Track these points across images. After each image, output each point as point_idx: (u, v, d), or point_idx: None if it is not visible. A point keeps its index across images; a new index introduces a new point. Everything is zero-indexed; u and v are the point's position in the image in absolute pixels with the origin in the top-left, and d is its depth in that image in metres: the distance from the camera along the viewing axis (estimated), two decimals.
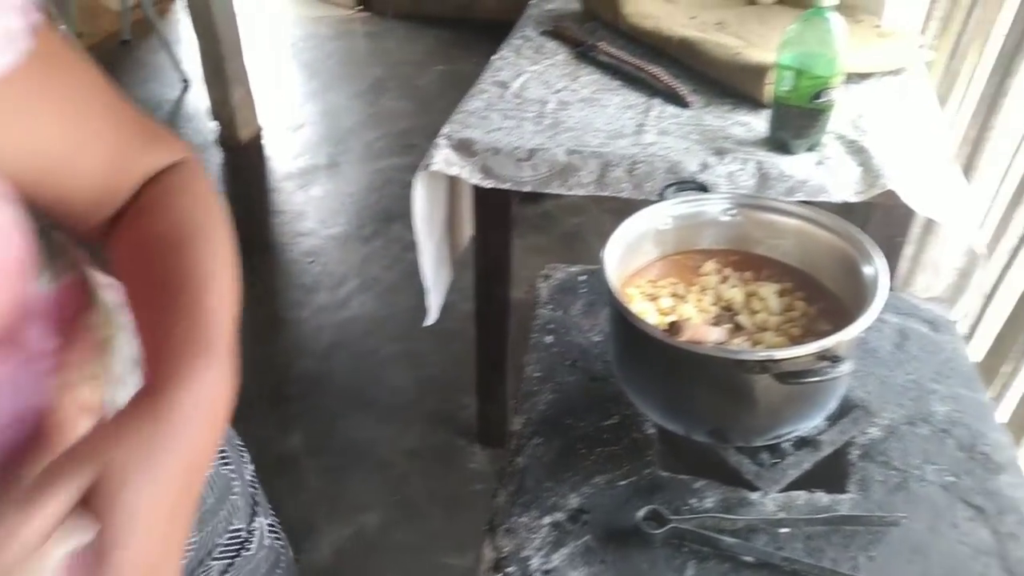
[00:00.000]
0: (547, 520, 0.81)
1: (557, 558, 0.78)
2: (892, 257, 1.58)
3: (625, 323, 0.78)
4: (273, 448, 1.95)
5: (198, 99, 3.62)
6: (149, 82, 3.88)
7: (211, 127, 3.34)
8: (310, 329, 2.32)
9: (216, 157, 3.25)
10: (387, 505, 1.80)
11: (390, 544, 1.72)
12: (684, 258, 0.92)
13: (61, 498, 0.39)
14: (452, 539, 1.70)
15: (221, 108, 3.24)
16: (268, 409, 2.07)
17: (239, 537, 0.81)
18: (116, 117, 0.58)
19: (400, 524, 1.76)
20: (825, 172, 1.25)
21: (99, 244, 0.61)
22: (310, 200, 2.94)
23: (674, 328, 0.72)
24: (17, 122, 0.50)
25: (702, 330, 0.76)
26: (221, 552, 0.78)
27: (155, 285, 0.55)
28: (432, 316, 1.64)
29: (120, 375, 0.66)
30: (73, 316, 0.62)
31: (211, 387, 0.49)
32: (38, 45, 0.50)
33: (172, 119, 3.56)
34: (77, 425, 0.56)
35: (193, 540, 0.74)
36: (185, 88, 3.81)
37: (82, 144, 0.55)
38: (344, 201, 2.93)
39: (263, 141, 3.36)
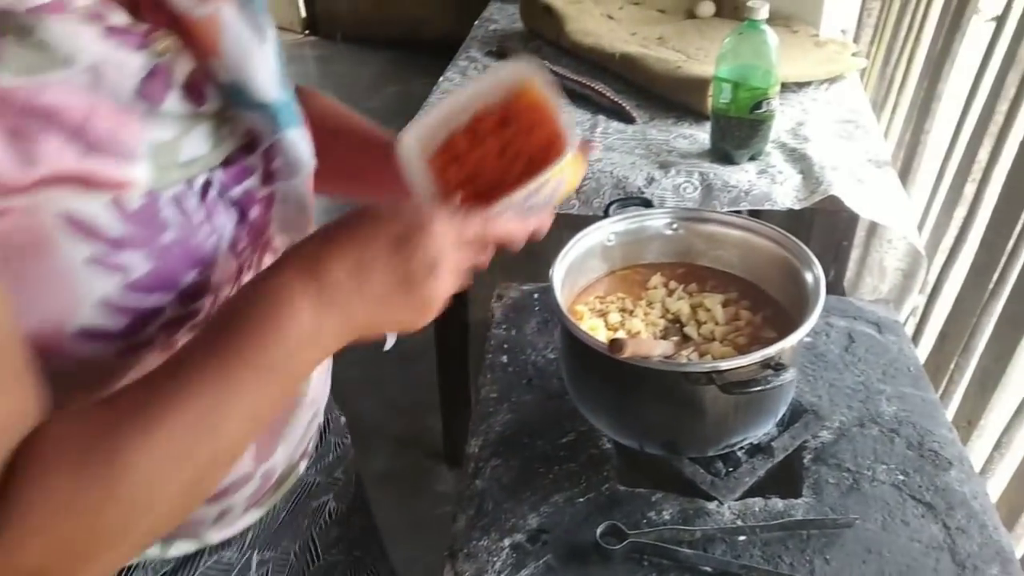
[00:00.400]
0: (507, 542, 0.81)
1: None
2: (841, 261, 1.61)
3: (574, 341, 0.79)
4: None
5: None
6: None
7: None
8: None
9: None
10: None
11: None
12: (631, 273, 0.94)
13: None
14: (423, 563, 1.68)
15: None
16: None
17: (340, 422, 0.92)
18: None
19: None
20: (768, 181, 1.28)
21: None
22: None
23: (615, 345, 0.72)
24: None
25: (646, 344, 0.77)
26: (333, 431, 0.89)
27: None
28: (390, 340, 1.63)
29: None
30: None
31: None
32: None
33: None
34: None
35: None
36: None
37: None
38: None
39: None
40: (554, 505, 0.85)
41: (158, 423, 0.44)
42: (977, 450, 1.12)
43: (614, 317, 0.88)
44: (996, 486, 1.05)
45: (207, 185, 0.53)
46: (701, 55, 1.55)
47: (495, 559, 0.80)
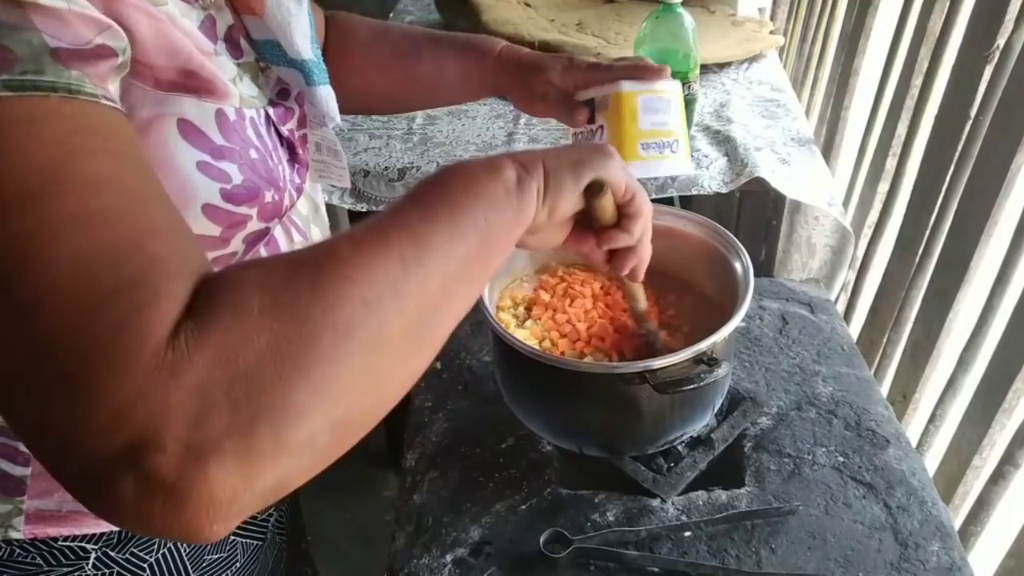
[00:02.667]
0: (449, 558, 0.78)
1: None
2: (771, 241, 1.62)
3: (505, 346, 0.76)
4: None
5: None
6: None
7: None
8: None
9: None
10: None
11: None
12: (559, 271, 0.91)
13: None
14: (374, 572, 1.65)
15: None
16: None
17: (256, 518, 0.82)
18: None
19: (317, 562, 1.70)
20: (694, 165, 1.27)
21: None
22: None
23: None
24: None
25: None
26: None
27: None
28: None
29: None
30: None
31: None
32: None
33: None
34: None
35: None
36: None
37: None
38: None
39: None
40: (496, 515, 0.82)
41: (368, 252, 0.42)
42: (913, 424, 1.13)
43: (540, 318, 0.85)
44: (933, 459, 1.06)
45: (268, 118, 0.61)
46: (620, 40, 1.53)
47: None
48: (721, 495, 0.83)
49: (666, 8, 1.18)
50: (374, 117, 1.45)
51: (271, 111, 0.62)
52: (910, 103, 1.14)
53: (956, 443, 0.99)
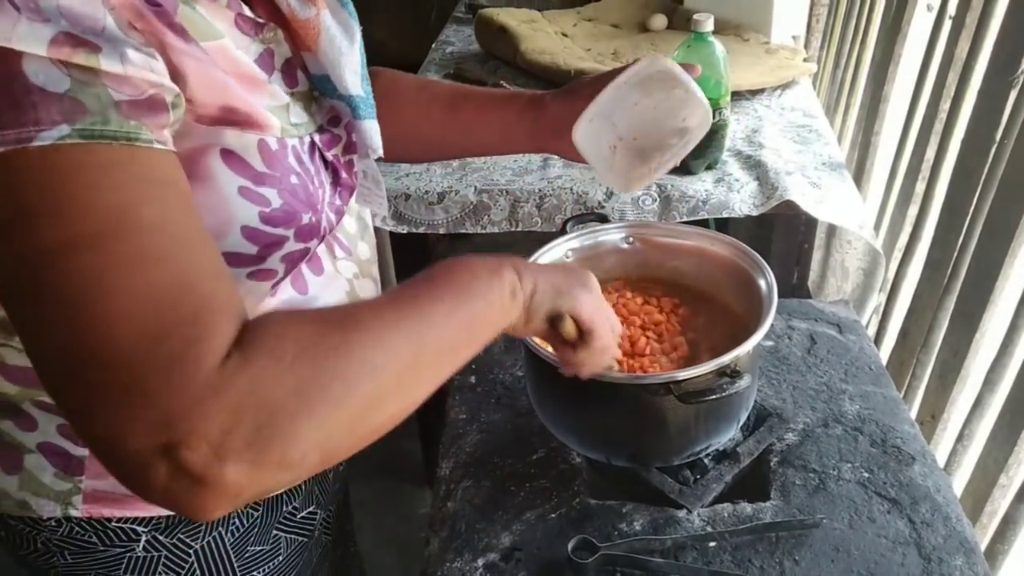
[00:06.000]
0: (481, 562, 0.82)
1: None
2: (803, 263, 1.64)
3: (535, 358, 0.80)
4: None
5: None
6: None
7: None
8: None
9: None
10: None
11: None
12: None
13: None
14: None
15: None
16: None
17: (296, 516, 0.85)
18: None
19: None
20: (725, 189, 1.30)
21: None
22: None
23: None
24: None
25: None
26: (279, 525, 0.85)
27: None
28: None
29: None
30: None
31: None
32: None
33: None
34: None
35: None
36: None
37: None
38: None
39: None
40: (526, 523, 0.85)
41: (383, 325, 0.52)
42: (942, 444, 1.14)
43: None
44: (961, 479, 1.07)
45: (313, 144, 0.66)
46: None
47: None
48: (746, 507, 0.85)
49: (698, 36, 1.22)
50: None
51: (317, 137, 0.67)
52: (938, 127, 1.16)
53: (983, 462, 1.00)
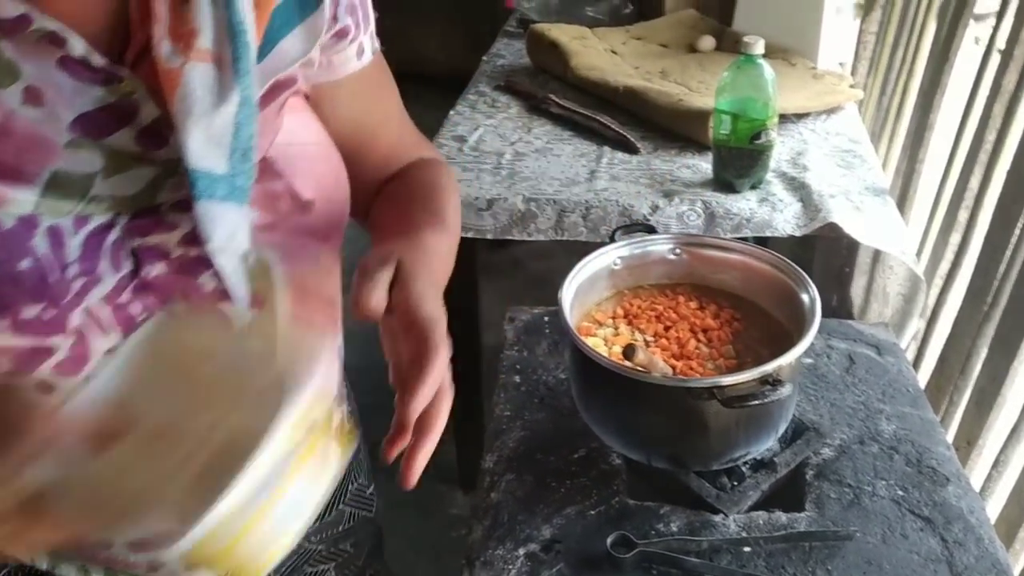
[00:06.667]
0: (521, 551, 0.85)
1: None
2: (844, 286, 1.66)
3: (582, 357, 0.83)
4: None
5: None
6: None
7: None
8: None
9: None
10: None
11: None
12: (635, 295, 0.98)
13: (389, 271, 0.59)
14: None
15: None
16: None
17: (363, 494, 0.93)
18: (403, 112, 0.80)
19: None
20: (769, 208, 1.32)
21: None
22: None
23: (628, 351, 0.77)
24: (358, 101, 0.72)
25: (653, 361, 0.82)
26: (349, 501, 0.91)
27: (406, 197, 0.75)
28: None
29: None
30: None
31: (445, 243, 0.70)
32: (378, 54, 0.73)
33: None
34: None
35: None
36: None
37: (388, 124, 0.78)
38: None
39: None
40: (566, 517, 0.89)
41: None
42: (977, 470, 1.15)
43: (620, 335, 0.92)
44: (995, 505, 1.08)
45: (108, 227, 0.54)
46: (702, 88, 1.60)
47: (510, 567, 0.83)
48: (781, 516, 0.87)
49: (748, 59, 1.25)
50: (466, 151, 1.55)
51: (123, 220, 0.55)
52: (983, 158, 1.18)
53: (1019, 488, 1.01)
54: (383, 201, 0.76)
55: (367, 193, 0.77)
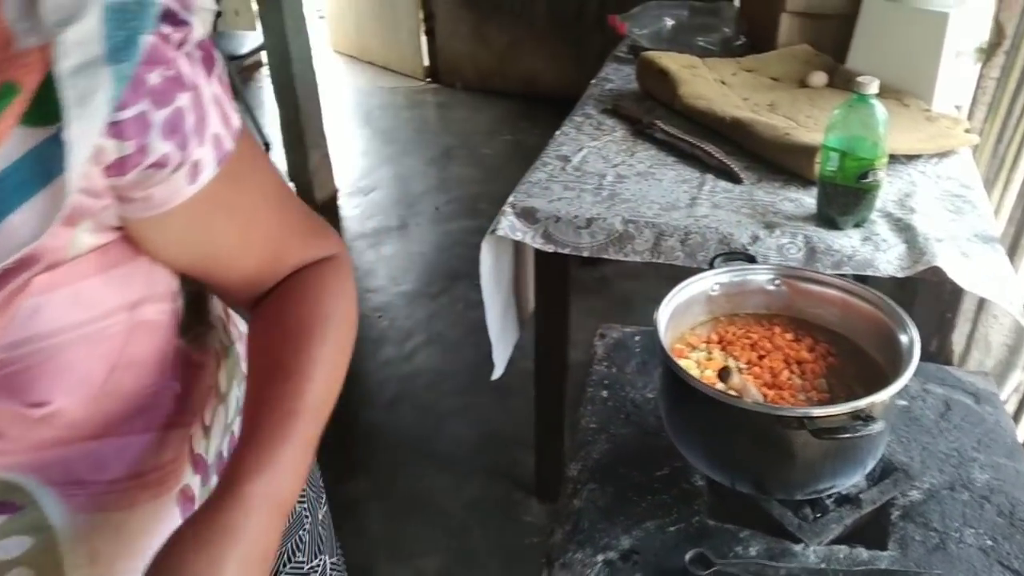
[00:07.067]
0: (600, 558, 0.88)
1: None
2: (944, 332, 1.62)
3: (674, 377, 0.86)
4: (338, 491, 2.03)
5: (277, 161, 3.86)
6: None
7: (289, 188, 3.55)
8: (376, 381, 2.43)
9: None
10: (445, 552, 1.86)
11: None
12: (731, 322, 1.00)
13: None
14: None
15: (299, 171, 3.45)
16: (334, 455, 2.17)
17: (300, 569, 0.87)
18: (281, 218, 0.65)
19: (458, 570, 1.83)
20: (872, 248, 1.32)
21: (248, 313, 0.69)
22: (381, 259, 3.10)
23: (724, 373, 0.79)
24: (197, 229, 0.58)
25: (747, 387, 0.84)
26: None
27: (268, 368, 0.62)
28: (498, 371, 1.74)
29: (230, 425, 0.77)
30: (202, 370, 0.72)
31: (281, 480, 0.56)
32: (237, 148, 0.57)
33: None
34: (184, 475, 0.69)
35: None
36: (266, 150, 4.07)
37: (246, 248, 0.63)
38: (413, 260, 3.08)
39: (338, 202, 3.56)
40: (646, 530, 0.91)
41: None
42: None
43: (712, 360, 0.94)
44: None
45: None
46: (811, 123, 1.61)
47: (588, 571, 0.87)
48: (862, 552, 0.88)
49: (861, 98, 1.26)
50: (569, 170, 1.60)
51: None
52: None
53: None
54: (250, 353, 0.66)
55: (245, 304, 0.69)
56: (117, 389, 0.59)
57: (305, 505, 0.88)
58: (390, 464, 2.13)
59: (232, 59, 3.97)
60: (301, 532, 0.87)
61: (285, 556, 0.84)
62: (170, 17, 0.50)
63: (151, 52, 0.49)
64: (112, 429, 0.61)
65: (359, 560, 1.84)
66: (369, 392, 2.40)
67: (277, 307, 0.66)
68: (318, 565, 0.91)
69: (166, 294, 0.63)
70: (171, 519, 0.66)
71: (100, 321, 0.55)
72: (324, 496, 0.96)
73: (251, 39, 4.22)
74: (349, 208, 3.52)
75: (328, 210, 3.50)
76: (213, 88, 0.54)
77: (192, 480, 0.70)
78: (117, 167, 0.50)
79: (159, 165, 0.51)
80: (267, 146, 4.09)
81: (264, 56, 4.69)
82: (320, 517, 0.93)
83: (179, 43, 0.51)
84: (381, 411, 2.32)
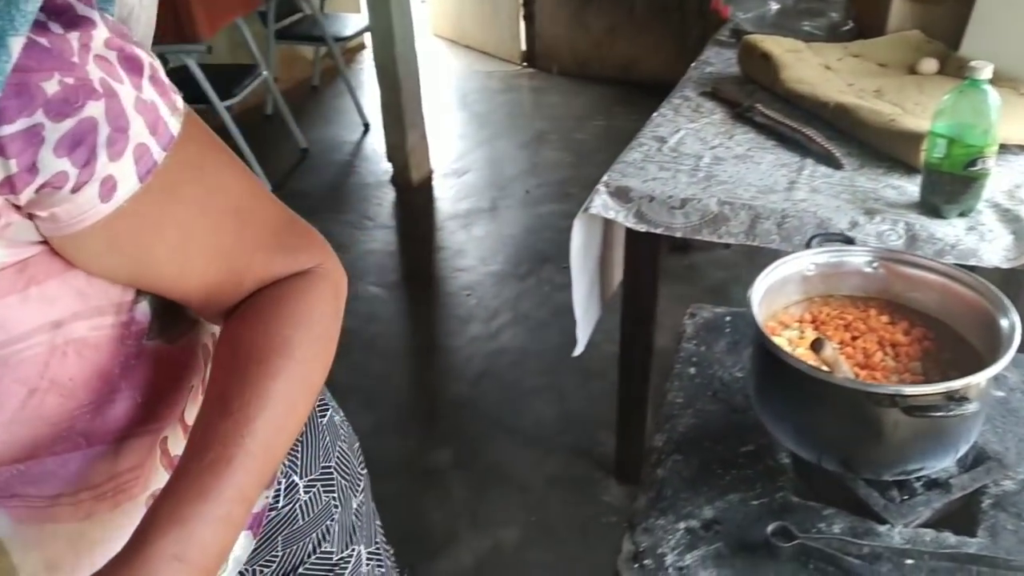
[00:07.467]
0: (682, 525, 0.90)
1: (690, 558, 0.87)
2: None
3: (765, 351, 0.87)
4: (423, 460, 2.12)
5: (376, 141, 3.98)
6: (332, 124, 4.30)
7: (386, 168, 3.66)
8: (463, 357, 2.50)
9: (389, 195, 3.56)
10: (525, 524, 1.91)
11: (526, 560, 1.83)
12: (825, 302, 1.00)
13: None
14: (585, 563, 1.79)
15: (397, 151, 3.55)
16: (421, 425, 2.26)
17: (328, 560, 0.85)
18: (236, 231, 0.58)
19: (536, 543, 1.87)
20: (976, 237, 1.28)
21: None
22: (471, 239, 3.17)
23: (817, 344, 0.80)
24: (124, 247, 0.52)
25: (840, 359, 0.84)
26: (307, 570, 0.84)
27: (210, 401, 0.57)
28: (580, 347, 1.77)
29: None
30: (183, 369, 0.68)
31: (198, 538, 0.51)
32: (171, 157, 0.51)
33: (351, 159, 3.93)
34: (154, 480, 0.66)
35: (276, 555, 0.80)
36: (365, 131, 4.20)
37: (187, 266, 0.57)
38: (502, 242, 3.13)
39: (432, 183, 3.65)
40: (728, 502, 0.93)
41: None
42: None
43: (805, 337, 0.95)
44: None
45: None
46: (918, 110, 1.56)
47: (670, 537, 0.89)
48: (950, 537, 0.87)
49: (973, 83, 1.22)
50: (665, 151, 1.61)
51: None
52: None
53: None
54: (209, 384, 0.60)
55: (212, 320, 0.66)
56: (39, 413, 0.54)
57: (334, 495, 0.85)
58: (473, 437, 2.19)
59: (336, 40, 4.10)
60: (329, 522, 0.84)
61: (310, 546, 0.83)
62: (60, 15, 0.44)
63: (37, 55, 0.43)
64: (41, 451, 0.56)
65: (442, 527, 1.91)
66: (456, 367, 2.47)
67: (232, 331, 0.60)
68: (350, 555, 0.88)
69: (107, 307, 0.56)
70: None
71: (12, 345, 0.50)
72: (364, 483, 0.93)
73: (355, 21, 4.36)
74: (443, 189, 3.60)
75: (423, 190, 3.59)
76: (141, 93, 0.48)
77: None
78: (7, 185, 0.44)
79: (53, 186, 0.46)
80: (366, 127, 4.21)
81: (366, 38, 4.84)
82: (355, 506, 0.90)
83: (83, 44, 0.45)
84: (466, 386, 2.38)
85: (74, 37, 0.45)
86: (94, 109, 0.45)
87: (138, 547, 0.50)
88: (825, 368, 0.84)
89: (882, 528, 0.88)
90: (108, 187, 0.48)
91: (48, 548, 0.59)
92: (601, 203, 1.50)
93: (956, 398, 0.77)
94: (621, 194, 1.49)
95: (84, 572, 0.54)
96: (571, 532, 1.89)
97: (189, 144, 0.53)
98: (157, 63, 0.51)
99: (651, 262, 1.66)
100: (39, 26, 0.43)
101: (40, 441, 0.56)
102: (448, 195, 3.54)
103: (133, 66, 0.48)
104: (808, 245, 1.01)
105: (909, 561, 0.85)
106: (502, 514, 1.94)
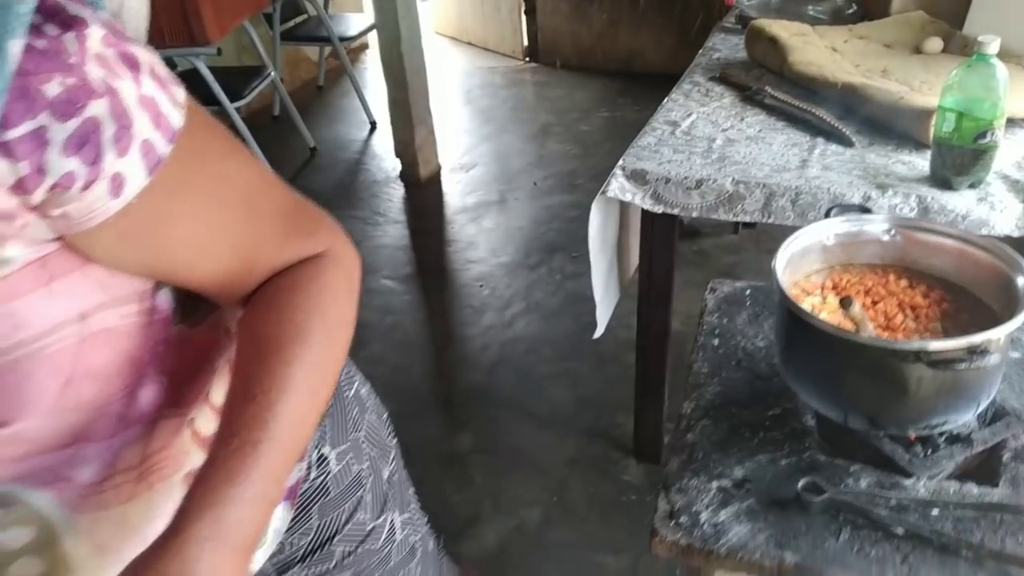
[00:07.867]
0: (714, 485, 0.94)
1: (724, 514, 0.91)
2: None
3: (790, 315, 0.91)
4: (443, 446, 2.15)
5: (383, 139, 4.02)
6: (339, 123, 4.34)
7: (394, 164, 3.70)
8: (478, 345, 2.54)
9: (398, 191, 3.59)
10: (547, 504, 1.95)
11: (549, 539, 1.87)
12: (845, 270, 1.04)
13: None
14: (607, 540, 1.83)
15: (405, 148, 3.58)
16: (440, 412, 2.30)
17: (362, 528, 0.88)
18: (248, 219, 0.60)
19: (559, 522, 1.91)
20: (987, 208, 1.32)
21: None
22: (481, 231, 3.21)
23: (845, 301, 0.84)
24: (135, 242, 0.54)
25: (866, 318, 0.88)
26: (342, 539, 0.86)
27: (235, 389, 0.60)
28: (600, 329, 1.81)
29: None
30: (208, 352, 0.71)
31: (233, 519, 0.55)
32: (176, 150, 0.52)
33: (360, 157, 3.97)
34: (188, 459, 0.68)
35: (312, 525, 0.83)
36: (372, 129, 4.23)
37: (201, 256, 0.58)
38: (512, 233, 3.17)
39: (441, 178, 3.69)
40: (758, 462, 0.97)
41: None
42: None
43: (828, 304, 0.99)
44: None
45: None
46: (925, 88, 1.60)
47: (703, 496, 0.93)
48: (973, 488, 0.91)
49: (980, 57, 1.26)
50: (678, 134, 1.65)
51: None
52: None
53: None
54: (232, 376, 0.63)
55: (229, 307, 0.68)
56: (77, 402, 0.57)
57: (367, 465, 0.89)
58: (492, 422, 2.23)
59: (342, 40, 4.14)
60: (361, 492, 0.87)
61: (344, 516, 0.86)
62: (54, 16, 0.45)
63: (35, 59, 0.44)
64: (83, 436, 0.59)
65: (466, 509, 1.95)
66: (471, 356, 2.51)
67: (248, 321, 0.62)
68: (383, 523, 0.92)
69: (130, 296, 0.59)
70: (177, 504, 0.60)
71: (42, 339, 0.52)
72: (394, 453, 0.97)
73: (359, 21, 4.39)
74: (451, 184, 3.64)
75: (432, 186, 3.63)
76: (141, 89, 0.49)
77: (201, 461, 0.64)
78: (19, 187, 0.46)
79: (63, 186, 0.47)
80: (373, 125, 4.25)
81: (370, 38, 4.87)
82: (386, 475, 0.93)
83: (80, 44, 0.46)
84: (482, 374, 2.42)
85: (70, 38, 0.45)
86: (97, 108, 0.46)
87: (175, 532, 0.54)
88: (852, 326, 0.88)
89: (907, 481, 0.92)
90: (117, 184, 0.49)
91: (97, 534, 0.62)
92: (618, 186, 1.54)
93: (978, 351, 0.81)
94: (637, 177, 1.53)
95: (128, 555, 0.56)
96: (592, 511, 1.92)
97: (193, 136, 0.54)
98: (155, 57, 0.52)
99: (667, 244, 1.69)
100: (35, 30, 0.44)
101: (81, 427, 0.59)
102: (457, 189, 3.58)
103: (131, 63, 0.49)
104: (827, 215, 1.05)
105: (935, 511, 0.88)
106: (524, 495, 1.98)
